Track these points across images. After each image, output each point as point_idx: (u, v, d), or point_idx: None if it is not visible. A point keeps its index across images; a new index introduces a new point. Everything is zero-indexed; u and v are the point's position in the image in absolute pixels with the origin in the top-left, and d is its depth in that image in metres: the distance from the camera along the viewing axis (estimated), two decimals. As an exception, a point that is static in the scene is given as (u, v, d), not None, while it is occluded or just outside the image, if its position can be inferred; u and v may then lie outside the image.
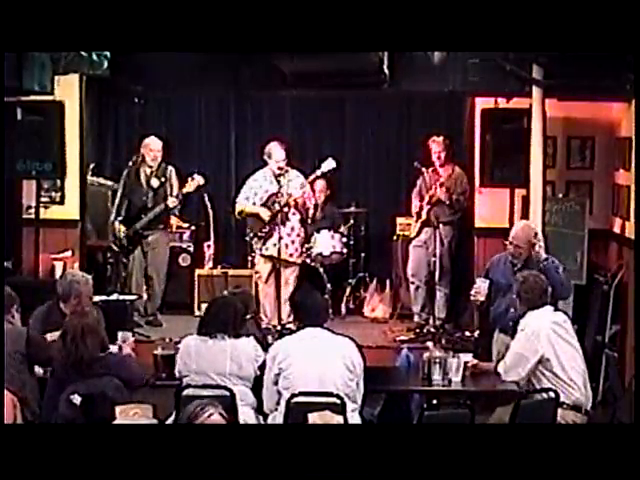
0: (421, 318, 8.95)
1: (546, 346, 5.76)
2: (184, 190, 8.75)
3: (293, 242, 8.67)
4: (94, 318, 5.53)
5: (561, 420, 5.58)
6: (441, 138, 8.97)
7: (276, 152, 8.56)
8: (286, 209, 8.49)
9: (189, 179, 8.75)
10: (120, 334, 6.06)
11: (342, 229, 9.72)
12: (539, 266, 6.49)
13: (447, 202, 8.80)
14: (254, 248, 8.76)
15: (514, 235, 6.69)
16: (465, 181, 8.92)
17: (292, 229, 8.65)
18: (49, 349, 5.50)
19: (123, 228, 8.80)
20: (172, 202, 8.79)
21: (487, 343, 6.94)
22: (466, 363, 5.93)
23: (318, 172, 8.54)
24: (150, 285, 8.95)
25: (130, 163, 8.94)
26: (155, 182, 8.86)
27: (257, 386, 5.55)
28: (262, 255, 8.68)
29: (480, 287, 6.74)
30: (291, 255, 8.65)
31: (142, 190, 8.85)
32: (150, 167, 8.87)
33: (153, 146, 8.89)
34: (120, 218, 8.83)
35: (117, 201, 8.89)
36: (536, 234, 6.79)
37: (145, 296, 8.96)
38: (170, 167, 8.99)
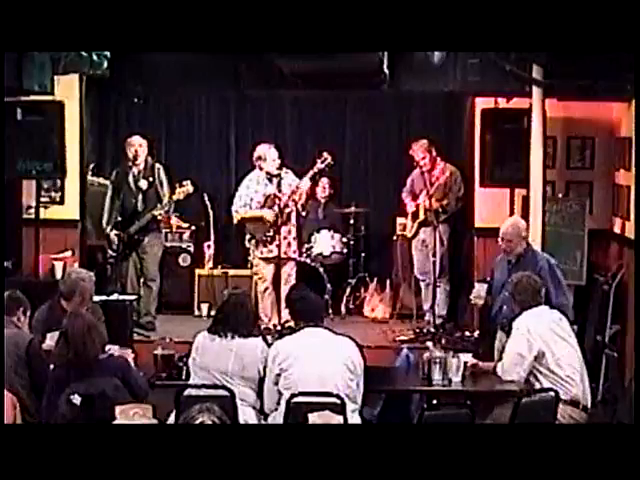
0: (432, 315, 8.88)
1: (540, 343, 5.77)
2: (174, 197, 8.62)
3: (295, 239, 8.67)
4: (99, 315, 5.53)
5: (559, 415, 5.57)
6: (420, 142, 8.91)
7: (270, 153, 8.54)
8: (288, 209, 8.47)
9: (177, 186, 8.61)
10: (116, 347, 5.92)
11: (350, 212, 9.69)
12: (534, 262, 6.52)
13: (440, 210, 8.78)
14: (255, 253, 8.64)
15: (504, 231, 6.73)
16: (459, 181, 8.91)
17: (292, 227, 8.65)
18: (47, 361, 5.49)
19: (116, 233, 8.69)
20: (159, 214, 8.70)
21: (487, 343, 6.94)
22: (466, 363, 5.93)
23: (316, 168, 8.46)
24: (147, 286, 8.89)
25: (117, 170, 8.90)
26: (144, 184, 8.71)
27: (259, 386, 5.54)
28: (263, 258, 8.59)
29: (479, 290, 6.81)
30: (294, 252, 8.66)
31: (131, 193, 8.73)
32: (137, 166, 8.73)
33: (134, 141, 8.75)
34: (112, 222, 8.73)
35: (107, 205, 8.76)
36: (527, 229, 6.83)
37: (142, 297, 8.91)
38: (158, 165, 8.87)
